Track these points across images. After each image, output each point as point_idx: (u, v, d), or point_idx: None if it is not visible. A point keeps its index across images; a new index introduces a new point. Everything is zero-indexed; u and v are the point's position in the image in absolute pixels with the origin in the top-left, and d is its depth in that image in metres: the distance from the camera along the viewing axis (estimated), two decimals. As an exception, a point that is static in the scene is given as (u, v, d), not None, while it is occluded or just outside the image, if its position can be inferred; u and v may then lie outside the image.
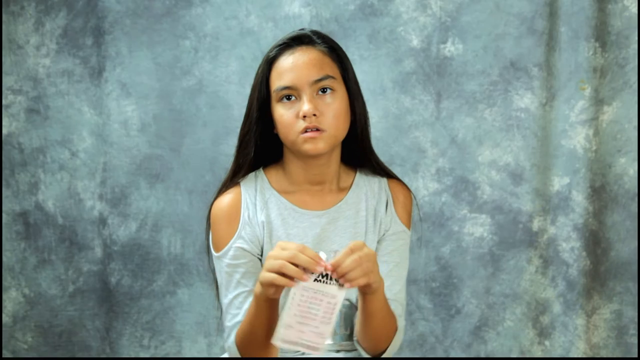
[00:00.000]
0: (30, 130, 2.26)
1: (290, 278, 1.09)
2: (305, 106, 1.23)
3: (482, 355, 2.17)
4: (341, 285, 1.09)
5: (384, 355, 1.26)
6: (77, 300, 2.29)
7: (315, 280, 1.08)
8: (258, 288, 1.15)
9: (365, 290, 1.16)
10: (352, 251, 1.10)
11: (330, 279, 1.08)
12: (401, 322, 1.29)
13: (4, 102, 2.25)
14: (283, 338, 1.09)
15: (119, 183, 2.25)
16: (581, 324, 2.11)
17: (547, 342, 2.15)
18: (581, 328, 2.11)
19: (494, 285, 2.16)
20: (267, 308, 1.16)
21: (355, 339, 1.30)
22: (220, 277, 1.31)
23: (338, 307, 1.09)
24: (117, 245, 2.26)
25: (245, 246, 1.29)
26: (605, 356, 2.13)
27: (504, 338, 2.17)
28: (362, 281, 1.10)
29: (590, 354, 2.12)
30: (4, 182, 2.26)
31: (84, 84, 2.24)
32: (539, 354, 2.16)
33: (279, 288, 1.12)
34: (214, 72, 2.20)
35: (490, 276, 2.16)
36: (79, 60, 2.24)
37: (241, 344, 1.24)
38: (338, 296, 1.08)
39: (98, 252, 2.27)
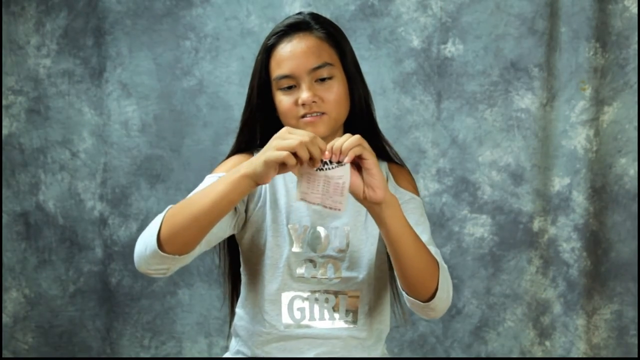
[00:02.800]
0: (31, 131, 2.26)
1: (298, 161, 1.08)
2: (304, 94, 1.24)
3: (483, 356, 2.17)
4: (340, 163, 1.10)
5: (437, 297, 1.18)
6: (78, 300, 2.29)
7: (318, 169, 1.11)
8: (250, 167, 1.10)
9: (370, 196, 1.11)
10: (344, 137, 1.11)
11: (330, 163, 1.10)
12: (442, 263, 1.23)
13: (4, 102, 2.25)
14: (304, 198, 1.12)
15: (119, 183, 2.25)
16: (582, 325, 2.10)
17: (547, 343, 2.15)
18: (582, 328, 2.11)
19: (494, 286, 2.16)
20: (238, 193, 1.11)
21: (403, 292, 1.23)
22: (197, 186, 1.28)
23: (347, 182, 1.11)
24: (117, 245, 2.26)
25: None
26: (605, 356, 2.13)
27: (504, 338, 2.17)
28: (357, 150, 1.09)
29: (590, 355, 2.12)
30: (4, 183, 2.26)
31: (84, 84, 2.24)
32: (539, 355, 2.15)
33: (274, 172, 1.09)
34: (215, 72, 2.20)
35: (491, 276, 2.16)
36: (79, 61, 2.24)
37: (175, 210, 1.14)
38: (344, 176, 1.10)
39: (98, 252, 2.27)
